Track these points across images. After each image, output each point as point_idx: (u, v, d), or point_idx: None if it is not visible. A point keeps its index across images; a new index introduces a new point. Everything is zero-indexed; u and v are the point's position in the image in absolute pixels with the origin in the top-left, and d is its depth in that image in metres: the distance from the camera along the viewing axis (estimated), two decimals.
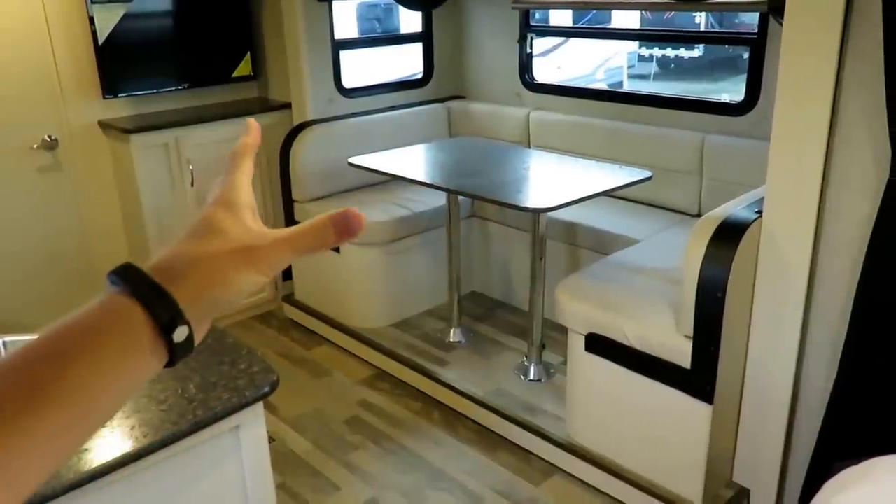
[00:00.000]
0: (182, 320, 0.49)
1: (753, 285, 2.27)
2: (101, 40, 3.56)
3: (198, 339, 0.51)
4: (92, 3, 3.50)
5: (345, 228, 0.54)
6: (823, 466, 2.01)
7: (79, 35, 3.55)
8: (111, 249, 3.83)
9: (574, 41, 8.29)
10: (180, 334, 0.49)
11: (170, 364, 0.50)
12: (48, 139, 3.56)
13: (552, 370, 3.24)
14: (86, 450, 1.31)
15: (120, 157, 3.70)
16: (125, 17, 3.62)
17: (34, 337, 0.46)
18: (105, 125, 3.70)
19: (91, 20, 3.52)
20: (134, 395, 0.51)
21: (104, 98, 3.65)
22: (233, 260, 0.53)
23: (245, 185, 0.60)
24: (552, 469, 2.81)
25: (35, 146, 3.53)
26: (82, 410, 0.45)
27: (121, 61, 3.67)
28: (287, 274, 4.11)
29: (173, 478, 1.49)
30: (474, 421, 3.09)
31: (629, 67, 9.77)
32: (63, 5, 3.50)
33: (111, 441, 1.34)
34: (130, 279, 0.49)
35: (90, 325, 0.47)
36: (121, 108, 3.76)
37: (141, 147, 3.60)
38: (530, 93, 4.12)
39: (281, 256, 0.54)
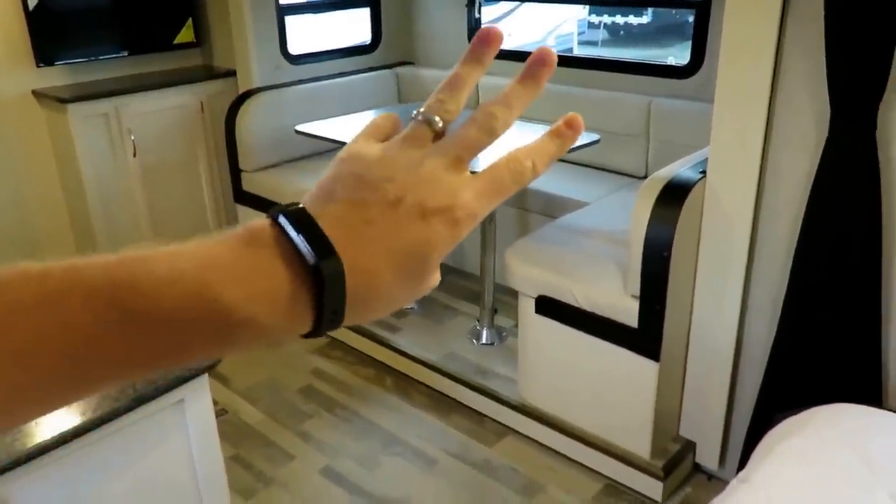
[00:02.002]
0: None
1: (698, 245, 2.30)
2: (31, 6, 3.43)
3: None
4: None
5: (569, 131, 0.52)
6: (765, 418, 2.06)
7: (7, 0, 3.42)
8: (52, 223, 3.74)
9: (525, 9, 8.26)
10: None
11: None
12: None
13: (504, 333, 3.27)
14: (21, 430, 1.27)
15: (57, 127, 3.60)
16: None
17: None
18: (40, 95, 3.58)
19: None
20: None
21: (38, 66, 3.53)
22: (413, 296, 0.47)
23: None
24: (505, 430, 2.84)
25: None
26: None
27: (54, 28, 3.55)
28: None
29: (116, 454, 1.47)
30: (427, 386, 3.10)
31: (579, 35, 9.76)
32: None
33: (49, 420, 1.31)
34: (329, 294, 0.42)
35: (267, 309, 0.41)
36: (56, 77, 3.65)
37: (79, 117, 3.50)
38: None
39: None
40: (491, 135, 0.47)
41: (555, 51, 0.50)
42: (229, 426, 2.89)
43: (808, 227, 2.03)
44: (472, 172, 0.47)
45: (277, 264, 0.42)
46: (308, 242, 0.42)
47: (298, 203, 0.44)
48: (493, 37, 0.50)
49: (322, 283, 0.41)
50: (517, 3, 7.90)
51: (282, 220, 0.43)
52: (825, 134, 1.95)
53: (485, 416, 2.91)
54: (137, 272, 0.39)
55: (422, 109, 0.48)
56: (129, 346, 0.39)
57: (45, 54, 3.55)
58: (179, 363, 0.42)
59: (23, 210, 3.65)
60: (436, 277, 0.47)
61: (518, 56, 4.02)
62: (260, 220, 0.43)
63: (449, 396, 3.03)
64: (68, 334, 0.37)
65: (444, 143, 0.47)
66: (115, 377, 0.40)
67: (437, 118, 0.47)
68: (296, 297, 0.42)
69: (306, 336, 0.44)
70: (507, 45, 5.60)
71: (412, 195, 0.44)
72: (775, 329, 2.18)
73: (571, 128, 0.51)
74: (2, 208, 3.59)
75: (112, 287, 0.38)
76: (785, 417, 1.82)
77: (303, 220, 0.43)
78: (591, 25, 9.92)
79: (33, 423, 1.28)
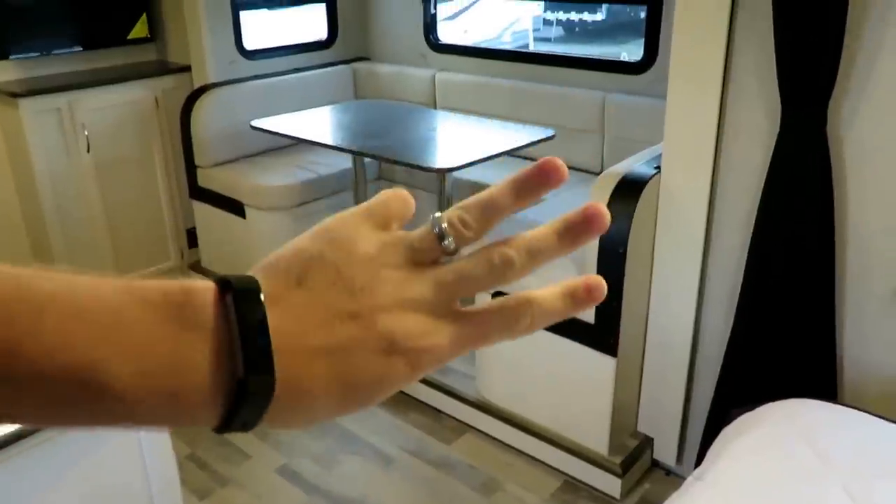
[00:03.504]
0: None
1: (654, 239, 2.32)
2: None
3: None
4: None
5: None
6: (722, 413, 2.09)
7: None
8: (4, 219, 3.65)
9: (481, 6, 8.27)
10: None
11: None
12: None
13: None
14: None
15: (8, 122, 3.51)
16: None
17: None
18: None
19: None
20: None
21: None
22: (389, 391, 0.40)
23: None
24: (463, 427, 2.84)
25: None
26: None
27: (7, 22, 3.47)
28: (193, 241, 4.01)
29: (62, 456, 1.42)
30: None
31: (535, 31, 9.81)
32: None
33: None
34: (246, 410, 0.36)
35: (172, 381, 0.35)
36: (8, 72, 3.57)
37: (31, 112, 3.42)
38: (436, 54, 4.09)
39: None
40: (499, 282, 0.40)
41: (607, 213, 0.41)
42: None
43: (762, 221, 2.06)
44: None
45: (200, 361, 0.35)
46: (247, 350, 0.35)
47: (254, 281, 0.37)
48: (555, 173, 0.41)
49: (244, 400, 0.35)
50: None
51: (229, 303, 0.36)
52: (777, 127, 1.97)
53: (443, 413, 2.91)
54: (23, 335, 0.33)
55: (438, 216, 0.40)
56: None
57: None
58: (53, 427, 0.36)
59: None
60: (368, 408, 0.40)
61: (475, 53, 4.03)
62: (202, 286, 0.36)
63: (407, 394, 3.02)
64: None
65: (443, 273, 0.40)
66: None
67: (451, 239, 0.40)
68: (207, 401, 0.36)
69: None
70: (462, 41, 5.60)
71: (386, 320, 0.37)
72: (731, 323, 2.20)
73: (591, 294, 0.41)
74: None
75: None
76: (741, 413, 1.84)
77: (253, 313, 0.35)
78: (546, 22, 9.97)
79: None
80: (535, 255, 0.40)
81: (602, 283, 0.41)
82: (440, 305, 0.39)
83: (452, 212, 0.40)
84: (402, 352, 0.38)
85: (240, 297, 0.36)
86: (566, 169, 0.41)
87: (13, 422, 0.35)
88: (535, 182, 0.41)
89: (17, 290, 0.34)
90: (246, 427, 0.37)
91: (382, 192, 0.43)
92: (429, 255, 0.40)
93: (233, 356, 0.35)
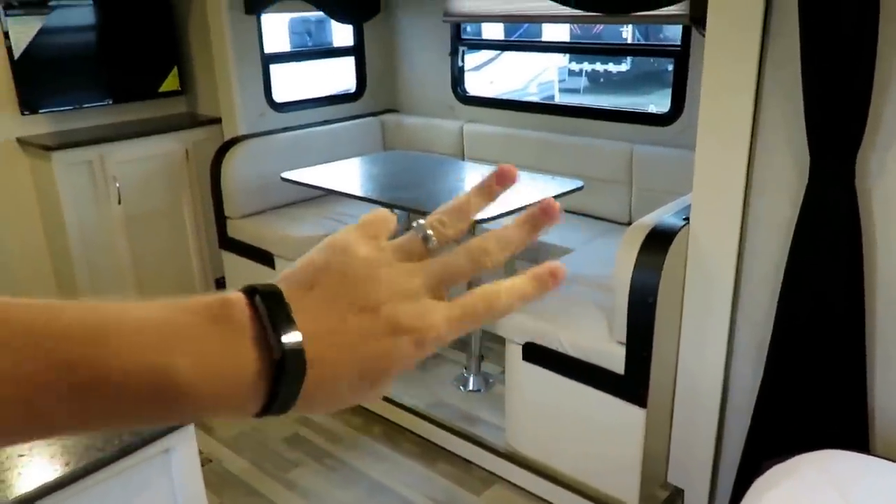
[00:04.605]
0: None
1: (683, 290, 2.32)
2: (16, 55, 3.46)
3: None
4: (6, 16, 3.40)
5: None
6: (753, 465, 2.06)
7: None
8: (34, 271, 3.71)
9: (507, 57, 8.39)
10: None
11: None
12: None
13: (491, 380, 3.25)
14: (1, 481, 1.24)
15: (41, 175, 3.59)
16: (42, 31, 3.53)
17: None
18: (24, 142, 3.58)
19: (6, 35, 3.42)
20: None
21: (22, 114, 3.54)
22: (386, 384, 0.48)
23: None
24: (493, 478, 2.81)
25: None
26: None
27: (39, 76, 3.57)
28: (221, 291, 4.05)
29: None
30: (415, 433, 3.08)
31: (560, 82, 9.92)
32: None
33: (30, 471, 1.28)
34: (285, 389, 0.43)
35: (218, 387, 0.42)
36: (41, 125, 3.66)
37: (63, 164, 3.50)
38: (463, 105, 4.15)
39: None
40: (479, 268, 0.49)
41: (559, 206, 0.52)
42: (213, 475, 2.85)
43: (791, 272, 2.05)
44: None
45: (244, 350, 0.42)
46: (279, 335, 0.42)
47: (276, 286, 0.45)
48: (509, 176, 0.52)
49: (282, 377, 0.42)
50: (498, 51, 8.03)
51: (258, 302, 0.43)
52: (805, 179, 1.98)
53: (472, 463, 2.89)
54: (92, 350, 0.39)
55: (422, 222, 0.49)
56: (72, 413, 0.39)
57: (29, 102, 3.57)
58: (121, 428, 0.42)
59: (5, 256, 3.62)
60: (388, 388, 0.48)
61: (503, 105, 4.07)
62: (234, 295, 0.44)
63: (436, 444, 3.01)
64: (9, 392, 0.37)
65: (431, 264, 0.48)
66: (48, 434, 0.41)
67: (434, 239, 0.49)
68: (253, 384, 0.42)
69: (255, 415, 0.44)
70: (488, 93, 5.68)
71: (389, 308, 0.45)
72: (761, 373, 2.18)
73: (554, 277, 0.51)
74: None
75: (68, 367, 0.38)
76: (773, 464, 1.82)
77: (279, 308, 0.43)
78: (571, 73, 10.08)
79: (16, 474, 1.26)
80: (505, 244, 0.50)
81: (561, 267, 0.51)
82: (431, 292, 0.47)
83: (432, 217, 0.50)
84: (406, 331, 0.45)
85: (266, 298, 0.43)
86: (516, 171, 0.53)
87: (87, 428, 0.41)
88: (495, 184, 0.52)
89: (81, 315, 0.40)
90: (285, 407, 0.43)
91: (369, 212, 0.52)
92: (416, 254, 0.49)
93: (268, 345, 0.42)
